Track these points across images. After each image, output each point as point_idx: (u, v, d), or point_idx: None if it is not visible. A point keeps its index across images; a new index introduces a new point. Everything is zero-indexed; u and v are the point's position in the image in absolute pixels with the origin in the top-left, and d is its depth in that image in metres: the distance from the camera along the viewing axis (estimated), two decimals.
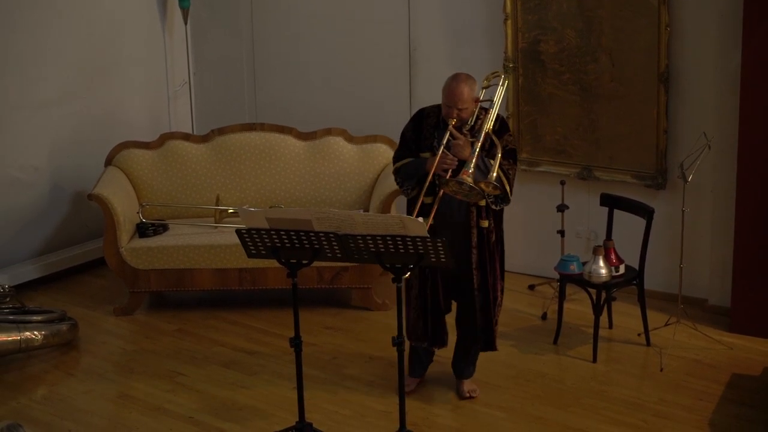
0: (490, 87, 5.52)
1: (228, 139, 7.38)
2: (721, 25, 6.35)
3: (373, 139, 7.31)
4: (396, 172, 5.52)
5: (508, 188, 5.29)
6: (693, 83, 6.57)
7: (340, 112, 7.83)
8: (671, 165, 6.66)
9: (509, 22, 6.98)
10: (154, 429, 5.47)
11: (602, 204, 6.49)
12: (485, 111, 5.38)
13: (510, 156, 5.37)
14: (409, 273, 4.82)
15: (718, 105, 6.46)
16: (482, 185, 5.16)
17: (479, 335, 5.56)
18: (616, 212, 6.42)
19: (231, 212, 7.11)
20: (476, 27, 7.24)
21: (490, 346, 5.61)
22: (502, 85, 5.44)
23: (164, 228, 7.07)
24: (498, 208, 5.38)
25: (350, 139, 7.34)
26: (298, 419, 5.17)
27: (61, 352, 6.39)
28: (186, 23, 8.18)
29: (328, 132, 7.37)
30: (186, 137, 7.44)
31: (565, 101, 6.94)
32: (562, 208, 6.85)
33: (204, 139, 7.42)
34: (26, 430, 3.48)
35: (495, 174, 5.19)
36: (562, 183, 6.87)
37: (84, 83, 7.74)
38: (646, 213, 6.16)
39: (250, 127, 7.43)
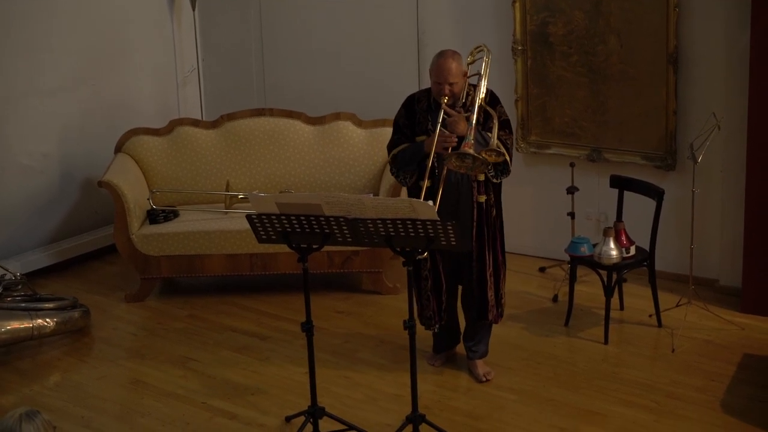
0: (476, 62, 5.57)
1: (237, 125, 7.37)
2: (730, 5, 6.32)
3: (381, 123, 7.29)
4: (393, 161, 5.51)
5: (508, 158, 5.31)
6: (702, 64, 6.54)
7: (349, 96, 7.82)
8: (681, 146, 6.64)
9: (517, 4, 6.96)
10: (167, 414, 5.49)
11: (612, 186, 6.48)
12: (473, 87, 5.43)
13: (505, 126, 5.41)
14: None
15: (728, 85, 6.44)
16: (484, 154, 5.17)
17: (476, 304, 5.60)
18: (626, 194, 6.41)
19: (241, 198, 7.11)
20: (484, 9, 7.22)
21: (483, 316, 5.61)
22: (487, 57, 5.49)
23: (174, 214, 7.08)
24: (498, 180, 5.40)
25: (359, 123, 7.34)
26: (310, 403, 5.18)
27: (73, 339, 6.42)
28: (194, 9, 8.17)
29: (337, 116, 7.36)
30: (195, 123, 7.44)
31: (573, 83, 6.93)
32: (571, 190, 6.84)
33: (213, 124, 7.42)
34: (44, 416, 3.50)
35: (495, 141, 5.23)
36: (572, 165, 6.86)
37: (92, 70, 7.75)
38: (656, 194, 6.15)
39: (260, 113, 7.43)
